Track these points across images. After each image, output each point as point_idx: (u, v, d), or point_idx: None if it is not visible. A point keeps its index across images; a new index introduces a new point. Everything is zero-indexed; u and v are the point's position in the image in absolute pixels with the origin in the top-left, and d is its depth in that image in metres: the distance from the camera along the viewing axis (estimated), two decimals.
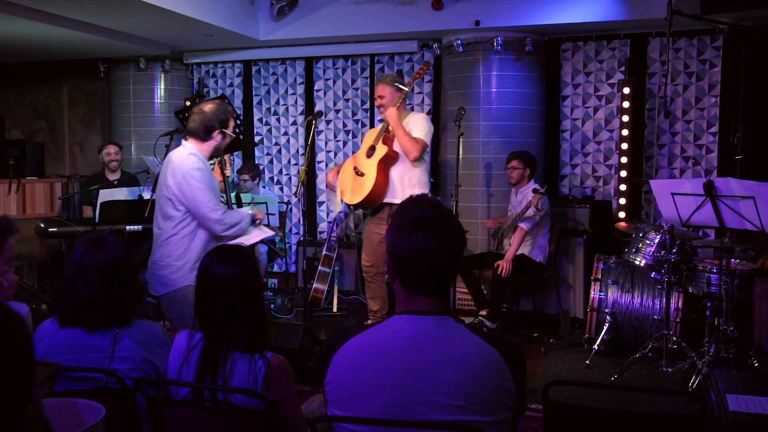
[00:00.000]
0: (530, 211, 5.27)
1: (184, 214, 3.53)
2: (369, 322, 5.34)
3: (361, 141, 5.76)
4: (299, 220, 7.16)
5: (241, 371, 2.18)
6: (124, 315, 2.42)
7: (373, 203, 5.10)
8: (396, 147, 5.05)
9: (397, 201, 4.88)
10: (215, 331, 2.23)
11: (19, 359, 1.16)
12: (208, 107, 3.64)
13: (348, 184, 5.20)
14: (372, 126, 6.80)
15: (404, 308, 1.77)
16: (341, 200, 5.24)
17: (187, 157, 3.53)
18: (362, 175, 5.09)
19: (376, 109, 6.82)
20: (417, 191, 4.84)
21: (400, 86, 5.13)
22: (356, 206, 5.38)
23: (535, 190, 5.31)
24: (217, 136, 3.62)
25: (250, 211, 3.74)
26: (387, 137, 5.08)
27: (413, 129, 5.04)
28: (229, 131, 3.67)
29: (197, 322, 2.30)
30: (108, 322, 2.38)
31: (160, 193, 3.62)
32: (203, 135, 3.59)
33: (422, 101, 6.71)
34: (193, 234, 3.55)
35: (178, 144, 3.79)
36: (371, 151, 5.11)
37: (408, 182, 5.03)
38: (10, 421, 1.13)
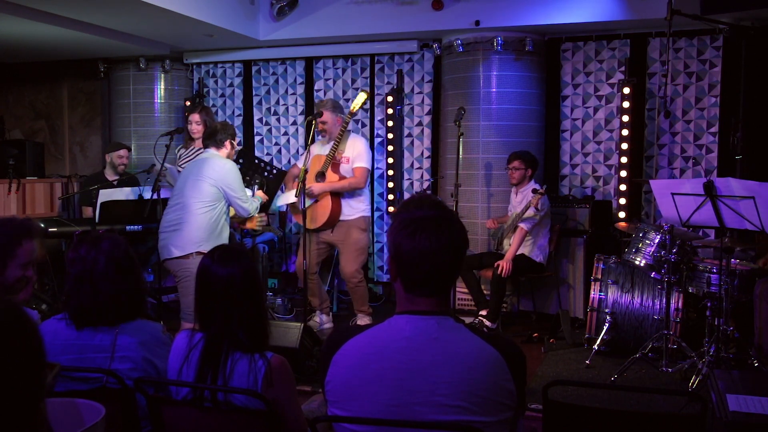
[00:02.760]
0: (530, 212, 5.27)
1: (217, 201, 4.57)
2: (320, 312, 5.65)
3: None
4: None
5: (241, 371, 2.18)
6: (131, 311, 2.43)
7: (330, 225, 5.47)
8: (343, 171, 5.41)
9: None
10: (216, 331, 2.23)
11: (34, 359, 1.21)
12: (220, 125, 4.88)
13: (307, 209, 5.39)
14: (372, 126, 6.81)
15: (404, 308, 1.77)
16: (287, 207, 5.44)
17: (224, 159, 4.73)
18: (317, 201, 5.40)
19: (376, 109, 6.84)
20: (358, 203, 5.49)
21: (341, 114, 5.46)
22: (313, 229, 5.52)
23: (534, 191, 5.31)
24: (227, 144, 4.78)
25: (257, 198, 5.01)
26: (335, 164, 5.40)
27: (356, 158, 5.40)
28: (235, 143, 4.89)
29: (197, 322, 2.30)
30: (114, 319, 2.38)
31: (194, 180, 4.58)
32: (217, 144, 4.76)
33: (422, 101, 6.71)
34: (218, 217, 4.60)
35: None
36: (321, 178, 5.41)
37: (350, 197, 5.47)
38: (27, 418, 1.16)
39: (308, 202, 5.30)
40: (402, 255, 1.72)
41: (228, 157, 4.79)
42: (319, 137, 5.55)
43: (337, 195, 5.42)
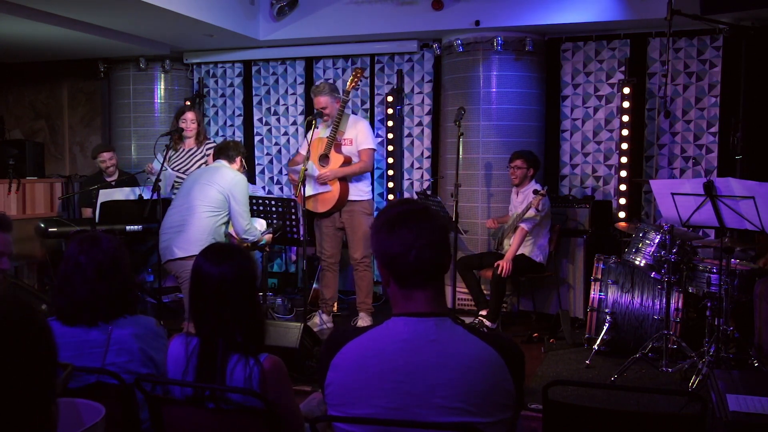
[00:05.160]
0: (531, 212, 5.27)
1: (221, 209, 4.65)
2: (321, 312, 5.71)
3: None
4: (299, 220, 7.15)
5: (237, 375, 2.15)
6: (121, 309, 2.42)
7: (338, 209, 5.50)
8: (346, 152, 5.44)
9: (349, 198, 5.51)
10: (210, 333, 2.19)
11: (46, 359, 1.19)
12: (233, 143, 5.12)
13: (312, 195, 5.44)
14: (372, 126, 6.79)
15: (402, 309, 1.76)
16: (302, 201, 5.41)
17: (235, 171, 4.85)
18: (324, 185, 5.45)
19: (376, 109, 6.84)
20: (364, 185, 5.53)
21: (338, 95, 5.49)
22: (322, 214, 5.57)
23: (536, 191, 5.30)
24: (238, 161, 4.93)
25: (264, 231, 5.11)
26: (337, 145, 5.43)
27: (361, 140, 5.44)
28: (243, 162, 5.03)
29: (191, 321, 2.27)
30: (105, 317, 2.38)
31: (202, 185, 4.67)
32: (229, 159, 4.89)
33: (422, 101, 6.71)
34: (220, 224, 4.68)
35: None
36: (325, 160, 5.42)
37: (356, 179, 5.49)
38: (38, 421, 1.15)
39: (321, 189, 5.38)
40: (386, 253, 1.74)
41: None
42: (321, 123, 5.57)
43: (343, 178, 5.43)
